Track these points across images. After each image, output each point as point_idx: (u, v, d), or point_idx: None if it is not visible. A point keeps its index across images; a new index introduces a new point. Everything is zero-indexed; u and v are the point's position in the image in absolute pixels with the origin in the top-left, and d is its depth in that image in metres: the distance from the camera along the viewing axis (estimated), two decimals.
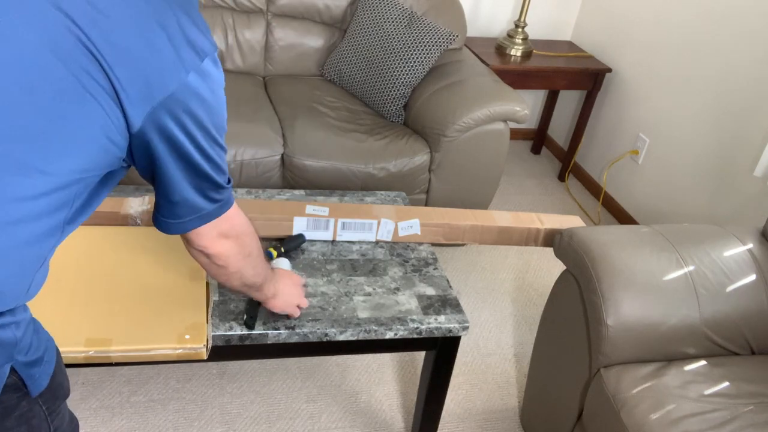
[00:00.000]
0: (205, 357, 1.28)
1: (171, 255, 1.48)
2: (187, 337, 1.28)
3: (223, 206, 1.01)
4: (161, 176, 0.92)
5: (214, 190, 0.98)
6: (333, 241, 1.68)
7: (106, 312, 1.31)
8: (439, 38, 2.48)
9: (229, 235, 1.05)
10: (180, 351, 1.26)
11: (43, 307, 1.30)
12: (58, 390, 0.91)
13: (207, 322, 1.32)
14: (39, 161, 0.76)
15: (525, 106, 2.35)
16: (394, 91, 2.48)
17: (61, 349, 1.21)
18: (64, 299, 1.33)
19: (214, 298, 1.44)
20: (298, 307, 1.39)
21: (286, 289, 1.35)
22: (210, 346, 1.29)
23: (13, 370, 0.82)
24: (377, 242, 1.71)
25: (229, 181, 1.01)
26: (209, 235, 1.02)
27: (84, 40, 0.76)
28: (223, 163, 0.98)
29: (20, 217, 0.76)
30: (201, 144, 0.91)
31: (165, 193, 0.95)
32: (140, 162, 0.90)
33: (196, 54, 0.84)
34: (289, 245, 1.60)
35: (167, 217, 0.98)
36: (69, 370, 1.89)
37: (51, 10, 0.75)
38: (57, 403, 0.91)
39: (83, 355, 1.23)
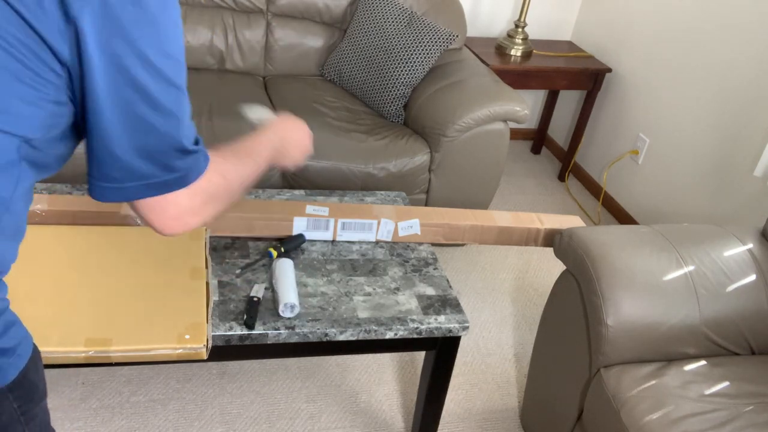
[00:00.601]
0: (205, 357, 1.28)
1: (171, 255, 1.48)
2: (187, 337, 1.28)
3: (187, 176, 0.79)
4: (87, 120, 0.73)
5: (170, 155, 0.76)
6: (333, 241, 1.68)
7: (106, 312, 1.31)
8: (439, 38, 2.48)
9: (206, 203, 0.84)
10: (180, 351, 1.26)
11: (43, 307, 1.30)
12: (33, 390, 0.85)
13: (207, 322, 1.32)
14: None
15: (525, 106, 2.35)
16: (394, 91, 2.48)
17: (61, 349, 1.22)
18: (64, 299, 1.33)
19: (214, 298, 1.44)
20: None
21: (291, 142, 1.16)
22: (210, 346, 1.29)
23: None
24: (377, 242, 1.71)
25: (197, 142, 0.81)
26: (169, 215, 0.80)
27: None
28: (180, 112, 0.76)
29: None
30: (138, 76, 0.70)
31: (94, 145, 0.74)
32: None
33: None
34: (289, 245, 1.60)
35: (99, 179, 0.76)
36: (69, 370, 1.89)
37: None
38: (32, 405, 0.85)
39: (83, 355, 1.23)
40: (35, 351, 0.87)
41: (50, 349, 1.22)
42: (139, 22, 0.69)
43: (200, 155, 0.81)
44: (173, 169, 0.77)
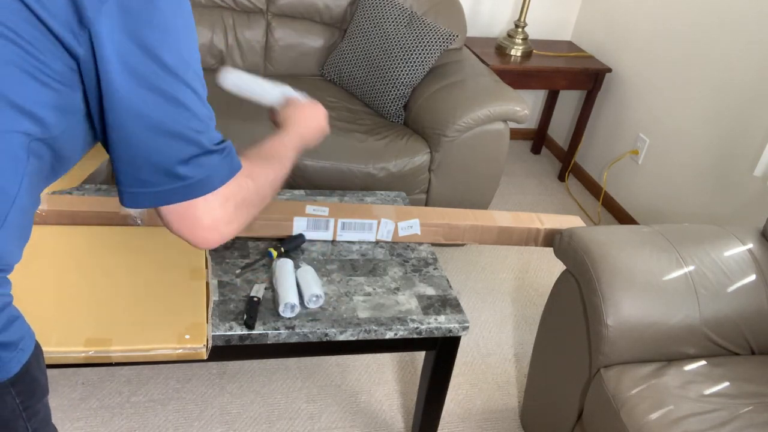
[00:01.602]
0: (205, 357, 1.28)
1: (171, 255, 1.48)
2: (187, 337, 1.28)
3: (212, 177, 0.78)
4: (108, 126, 0.73)
5: (192, 155, 0.76)
6: (333, 241, 1.68)
7: (106, 312, 1.31)
8: (439, 38, 2.48)
9: (240, 208, 0.83)
10: (180, 351, 1.26)
11: (43, 307, 1.30)
12: (35, 385, 0.85)
13: (207, 322, 1.32)
14: None
15: (525, 106, 2.35)
16: (394, 91, 2.48)
17: (61, 349, 1.22)
18: (64, 299, 1.33)
19: (214, 298, 1.44)
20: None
21: (311, 132, 1.15)
22: (210, 346, 1.29)
23: None
24: (377, 242, 1.71)
25: (221, 142, 0.80)
26: (204, 225, 0.79)
27: None
28: (196, 108, 0.76)
29: None
30: (154, 79, 0.72)
31: (117, 150, 0.75)
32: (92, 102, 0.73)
33: None
34: (289, 245, 1.60)
35: (126, 184, 0.76)
36: (69, 370, 1.89)
37: None
38: (34, 401, 0.86)
39: (83, 355, 1.23)
40: (37, 347, 0.87)
41: (50, 348, 1.22)
42: (153, 27, 0.71)
43: (227, 157, 0.80)
44: (197, 168, 0.77)
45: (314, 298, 1.44)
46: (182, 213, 0.78)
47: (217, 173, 0.79)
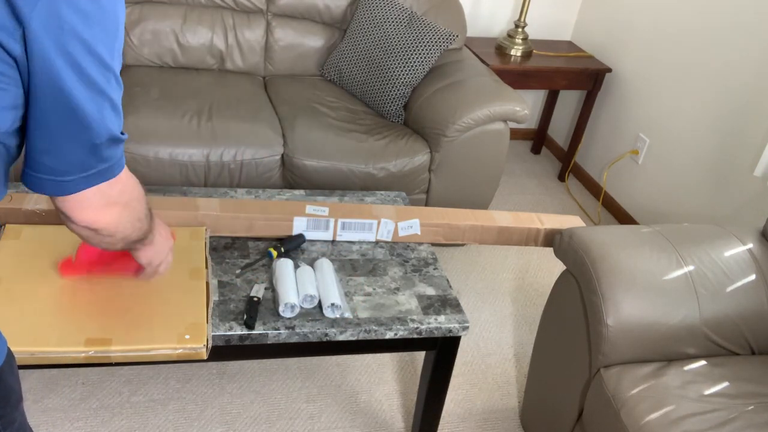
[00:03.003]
0: (205, 357, 1.28)
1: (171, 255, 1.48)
2: (187, 337, 1.28)
3: (116, 166, 0.83)
4: (30, 113, 0.74)
5: (104, 143, 0.79)
6: (333, 241, 1.68)
7: (106, 312, 1.31)
8: (439, 38, 2.48)
9: (119, 202, 0.87)
10: (180, 351, 1.26)
11: (43, 307, 1.30)
12: (9, 393, 0.84)
13: (207, 322, 1.32)
14: None
15: (525, 106, 2.35)
16: (394, 91, 2.48)
17: (61, 349, 1.22)
18: (64, 299, 1.33)
19: (214, 298, 1.44)
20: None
21: (161, 240, 1.15)
22: (210, 346, 1.29)
23: None
24: (377, 242, 1.71)
25: (123, 133, 0.84)
26: (95, 205, 0.83)
27: None
28: (115, 96, 0.78)
29: None
30: (83, 67, 0.72)
31: (36, 138, 0.76)
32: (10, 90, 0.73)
33: None
34: (289, 245, 1.60)
35: (39, 171, 0.78)
36: (69, 370, 1.89)
37: None
38: (9, 409, 0.84)
39: (83, 355, 1.23)
40: (10, 354, 0.85)
41: (50, 349, 1.22)
42: (80, 15, 0.71)
43: (122, 146, 0.84)
44: (107, 158, 0.81)
45: (309, 298, 1.44)
46: (81, 198, 0.82)
47: (119, 161, 0.84)
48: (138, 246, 1.05)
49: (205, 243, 1.53)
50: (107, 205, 0.85)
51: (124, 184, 0.87)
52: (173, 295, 1.37)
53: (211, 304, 1.37)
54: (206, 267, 1.46)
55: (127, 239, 0.95)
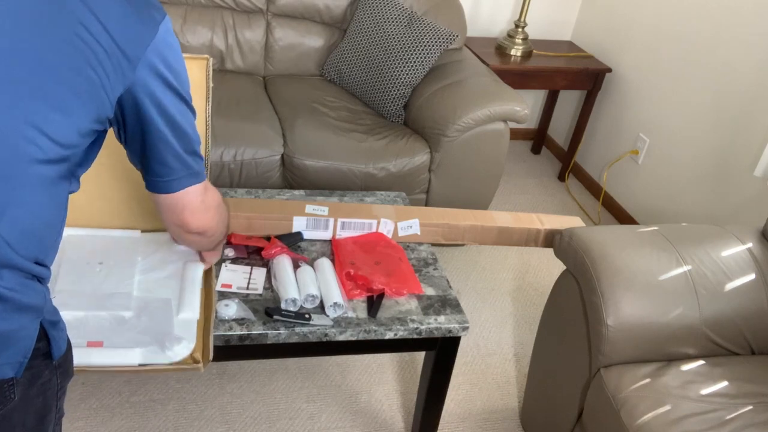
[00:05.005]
0: (202, 371, 1.23)
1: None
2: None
3: (203, 172, 1.06)
4: (150, 137, 0.96)
5: (195, 153, 1.03)
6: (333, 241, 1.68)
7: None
8: (439, 38, 2.48)
9: (212, 206, 1.10)
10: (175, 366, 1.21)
11: None
12: (69, 366, 0.92)
13: (209, 334, 1.26)
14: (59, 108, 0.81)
15: (525, 106, 2.35)
16: (394, 91, 2.48)
17: None
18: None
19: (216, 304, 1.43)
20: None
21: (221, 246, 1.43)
22: (211, 358, 1.23)
23: (40, 332, 0.83)
24: None
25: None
26: (199, 209, 1.07)
27: None
28: (193, 125, 1.02)
29: (48, 157, 0.81)
30: (180, 97, 0.96)
31: (154, 155, 0.99)
32: (130, 126, 0.94)
33: (158, 11, 0.91)
34: (286, 241, 1.60)
35: (158, 176, 1.02)
36: None
37: None
38: (66, 382, 0.92)
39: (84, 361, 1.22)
40: (68, 340, 0.93)
41: None
42: (177, 60, 0.95)
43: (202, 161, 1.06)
44: (196, 165, 1.04)
45: (310, 298, 1.44)
46: (184, 198, 1.05)
47: (203, 169, 1.06)
48: (217, 247, 1.32)
49: None
50: (206, 209, 1.08)
51: (212, 190, 1.10)
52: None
53: (213, 315, 1.31)
54: (211, 275, 1.42)
55: (216, 240, 1.20)
